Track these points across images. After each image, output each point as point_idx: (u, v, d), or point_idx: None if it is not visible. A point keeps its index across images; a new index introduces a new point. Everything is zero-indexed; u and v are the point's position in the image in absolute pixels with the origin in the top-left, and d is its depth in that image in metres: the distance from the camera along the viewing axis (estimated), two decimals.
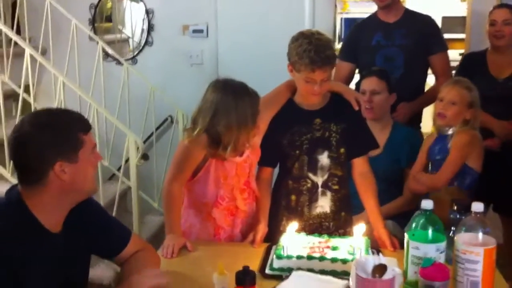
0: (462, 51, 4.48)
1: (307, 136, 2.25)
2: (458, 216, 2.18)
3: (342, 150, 2.26)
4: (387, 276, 1.45)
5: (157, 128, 4.23)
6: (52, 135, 1.51)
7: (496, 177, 2.88)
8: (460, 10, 5.73)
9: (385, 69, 3.01)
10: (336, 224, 2.31)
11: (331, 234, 2.22)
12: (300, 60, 2.11)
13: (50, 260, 1.53)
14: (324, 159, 2.26)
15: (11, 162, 1.60)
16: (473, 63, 3.22)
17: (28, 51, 3.12)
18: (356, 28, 3.45)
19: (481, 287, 1.62)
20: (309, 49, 2.09)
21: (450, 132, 2.57)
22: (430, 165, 2.67)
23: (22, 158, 1.52)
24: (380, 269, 1.45)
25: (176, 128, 4.07)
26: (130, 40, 4.51)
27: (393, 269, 1.49)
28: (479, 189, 2.56)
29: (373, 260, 1.48)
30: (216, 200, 2.20)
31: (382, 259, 1.50)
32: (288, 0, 4.10)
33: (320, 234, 2.13)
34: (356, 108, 2.28)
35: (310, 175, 2.27)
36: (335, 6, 4.36)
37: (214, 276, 1.65)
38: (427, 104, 3.20)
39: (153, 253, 1.90)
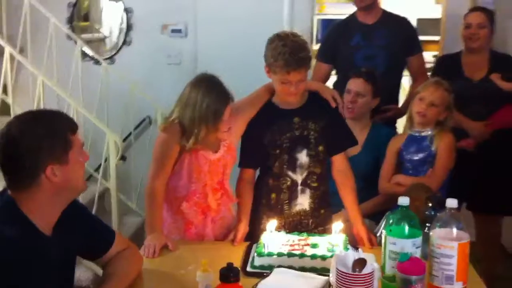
0: (436, 53, 4.57)
1: (286, 135, 2.29)
2: (432, 213, 2.25)
3: (320, 148, 2.31)
4: (366, 270, 1.50)
5: (134, 129, 4.23)
6: (41, 137, 1.50)
7: (470, 177, 2.95)
8: (435, 12, 5.80)
9: (373, 71, 3.04)
10: (315, 221, 2.35)
11: (310, 231, 2.27)
12: (275, 62, 2.15)
13: (47, 263, 1.54)
14: (303, 157, 2.30)
15: None
16: (448, 65, 3.29)
17: (8, 49, 3.10)
18: (334, 29, 3.49)
19: (456, 281, 1.68)
20: (284, 51, 2.12)
21: (425, 133, 2.62)
22: (402, 166, 2.72)
23: (12, 162, 1.51)
24: (360, 263, 1.50)
25: (155, 129, 4.06)
26: (107, 40, 4.50)
27: (372, 264, 1.54)
28: (453, 187, 2.64)
29: (353, 255, 1.52)
30: (188, 194, 2.23)
31: (361, 254, 1.55)
32: (266, 1, 4.13)
33: (300, 231, 2.17)
34: (334, 105, 2.33)
35: (290, 173, 2.31)
36: (313, 7, 4.40)
37: (197, 273, 1.67)
38: None
39: (136, 253, 1.92)
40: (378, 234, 2.46)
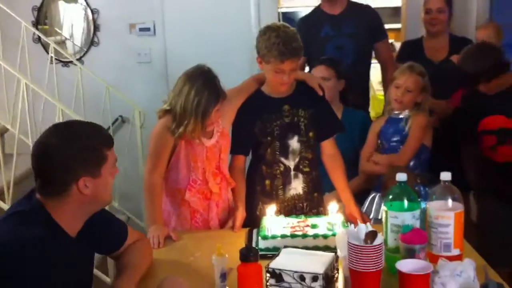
0: (391, 41, 4.75)
1: (277, 123, 2.38)
2: (422, 188, 2.38)
3: (311, 134, 2.41)
4: (377, 241, 1.60)
5: (108, 128, 4.22)
6: (79, 150, 1.54)
7: (438, 153, 3.08)
8: (389, 1, 5.94)
9: (334, 57, 3.17)
10: (309, 205, 2.45)
11: (305, 214, 2.36)
12: (269, 52, 2.23)
13: (72, 263, 1.56)
14: (294, 143, 2.40)
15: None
16: (411, 49, 3.47)
17: None
18: (302, 23, 3.59)
19: (453, 248, 1.80)
20: (278, 41, 2.21)
21: (402, 115, 2.75)
22: (381, 146, 2.85)
23: (47, 170, 1.54)
24: (372, 235, 1.59)
25: (133, 128, 4.04)
26: (68, 41, 4.45)
27: (381, 235, 1.64)
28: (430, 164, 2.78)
29: (364, 228, 1.62)
30: (189, 183, 2.29)
31: (370, 227, 1.64)
32: None
33: (297, 215, 2.26)
34: (320, 93, 2.43)
35: (282, 159, 2.40)
36: (277, 2, 4.48)
37: (213, 257, 1.73)
38: None
39: (147, 244, 1.97)
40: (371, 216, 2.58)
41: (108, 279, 2.97)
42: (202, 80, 2.21)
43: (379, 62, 3.55)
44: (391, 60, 3.47)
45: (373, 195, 2.76)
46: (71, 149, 1.53)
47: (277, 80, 2.30)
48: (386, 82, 3.40)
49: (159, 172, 2.26)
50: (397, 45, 4.21)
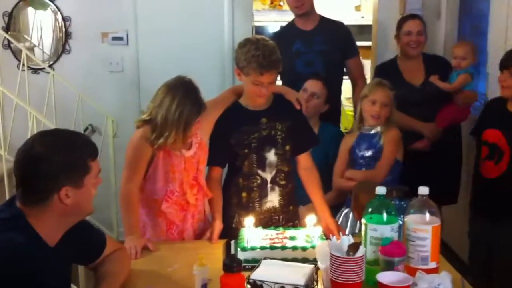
0: None
1: (254, 135, 2.39)
2: (397, 202, 2.42)
3: (287, 147, 2.43)
4: (359, 253, 1.62)
5: None
6: (64, 159, 1.52)
7: (426, 174, 3.05)
8: (354, 19, 5.97)
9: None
10: (285, 217, 2.46)
11: (282, 226, 2.37)
12: (249, 64, 2.25)
13: (50, 273, 1.54)
14: (271, 156, 2.41)
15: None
16: (387, 72, 3.42)
17: None
18: (275, 38, 3.59)
19: (430, 261, 1.84)
20: (257, 54, 2.23)
21: (374, 131, 2.80)
22: (354, 162, 2.89)
23: (31, 177, 1.52)
24: (354, 247, 1.62)
25: (103, 136, 3.98)
26: (36, 48, 4.38)
27: (362, 247, 1.67)
28: (403, 179, 2.83)
29: (347, 240, 1.64)
30: (166, 194, 2.28)
31: (351, 239, 1.67)
32: (207, 8, 4.21)
33: (276, 227, 2.27)
34: (298, 107, 2.46)
35: (260, 172, 2.41)
36: (252, 16, 4.51)
37: (194, 267, 1.73)
38: None
39: (126, 253, 1.95)
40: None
41: None
42: (184, 92, 2.21)
43: (350, 78, 3.59)
44: (362, 77, 3.52)
45: (345, 211, 2.80)
46: (57, 157, 1.51)
47: (256, 92, 2.31)
48: (355, 98, 3.45)
49: (136, 182, 2.24)
50: (366, 62, 4.25)
